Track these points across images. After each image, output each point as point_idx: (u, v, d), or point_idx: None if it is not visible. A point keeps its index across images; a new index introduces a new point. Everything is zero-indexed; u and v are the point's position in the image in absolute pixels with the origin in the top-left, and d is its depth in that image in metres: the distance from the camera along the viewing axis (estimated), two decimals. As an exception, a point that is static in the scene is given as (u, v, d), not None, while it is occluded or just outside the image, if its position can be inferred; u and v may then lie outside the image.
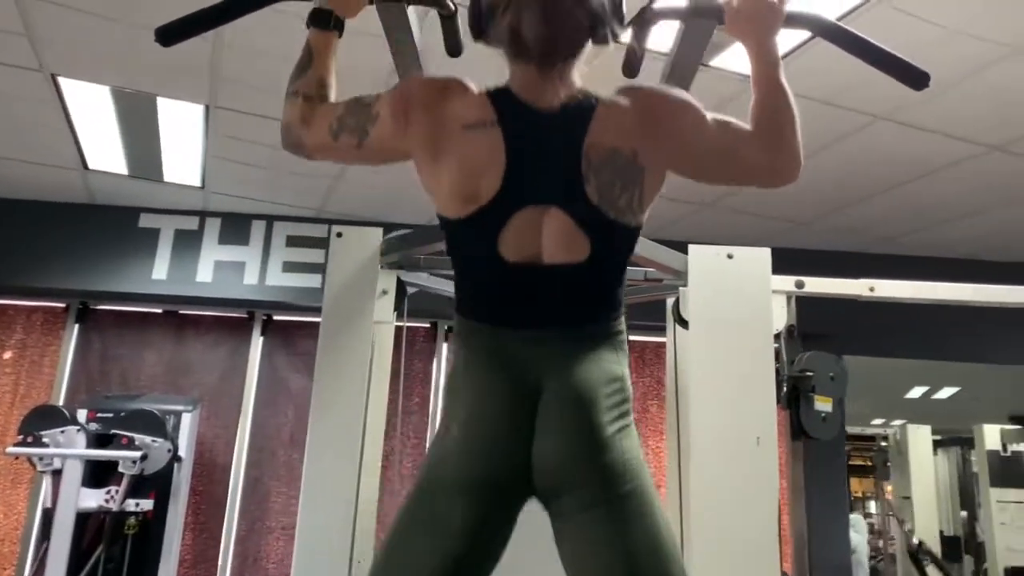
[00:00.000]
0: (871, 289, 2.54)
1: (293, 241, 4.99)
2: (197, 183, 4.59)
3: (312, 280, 4.91)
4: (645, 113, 1.25)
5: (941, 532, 5.87)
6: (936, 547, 5.36)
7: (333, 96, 1.38)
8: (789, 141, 1.30)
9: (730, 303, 2.37)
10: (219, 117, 3.74)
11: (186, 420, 4.52)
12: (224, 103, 3.59)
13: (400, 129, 1.27)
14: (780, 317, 2.54)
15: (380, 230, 2.44)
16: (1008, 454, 5.34)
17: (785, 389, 2.51)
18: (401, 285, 2.59)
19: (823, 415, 2.53)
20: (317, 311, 4.86)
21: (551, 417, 1.16)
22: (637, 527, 1.14)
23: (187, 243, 4.94)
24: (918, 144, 3.53)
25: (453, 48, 1.58)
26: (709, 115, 1.30)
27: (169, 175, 4.51)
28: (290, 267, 4.95)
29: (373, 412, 2.45)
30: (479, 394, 1.19)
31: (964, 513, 6.25)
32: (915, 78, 1.48)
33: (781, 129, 1.30)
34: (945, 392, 7.38)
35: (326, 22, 1.38)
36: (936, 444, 6.21)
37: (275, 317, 5.14)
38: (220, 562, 4.81)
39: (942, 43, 2.75)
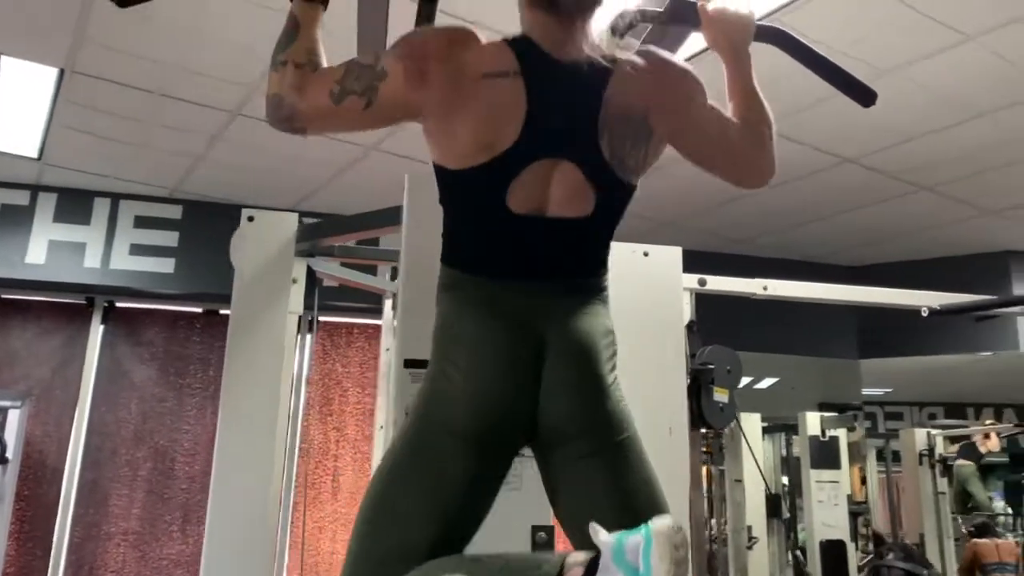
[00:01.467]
0: (764, 288, 2.71)
1: (142, 222, 4.60)
2: (32, 154, 4.12)
3: (164, 264, 4.56)
4: (660, 78, 1.28)
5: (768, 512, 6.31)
6: (765, 528, 5.82)
7: (324, 64, 1.29)
8: (768, 149, 1.38)
9: (645, 299, 2.45)
10: (75, 82, 3.36)
11: (13, 417, 4.08)
12: (83, 68, 3.24)
13: (415, 86, 1.21)
14: (684, 313, 2.66)
15: (295, 216, 2.32)
16: (826, 439, 5.86)
17: (688, 381, 2.63)
18: (311, 274, 2.47)
19: (721, 405, 2.67)
20: (168, 298, 4.63)
21: (560, 368, 1.16)
22: (633, 473, 1.18)
23: (14, 219, 4.43)
24: (788, 153, 3.75)
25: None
26: (709, 100, 1.34)
27: (-2, 143, 4.03)
28: (138, 250, 4.56)
29: (280, 409, 2.32)
30: (482, 343, 1.17)
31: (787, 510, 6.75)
32: (864, 95, 1.61)
33: (763, 138, 1.37)
34: (766, 382, 7.93)
35: None
36: (764, 430, 6.69)
37: (118, 304, 4.71)
38: (50, 573, 4.36)
39: (822, 61, 2.97)
